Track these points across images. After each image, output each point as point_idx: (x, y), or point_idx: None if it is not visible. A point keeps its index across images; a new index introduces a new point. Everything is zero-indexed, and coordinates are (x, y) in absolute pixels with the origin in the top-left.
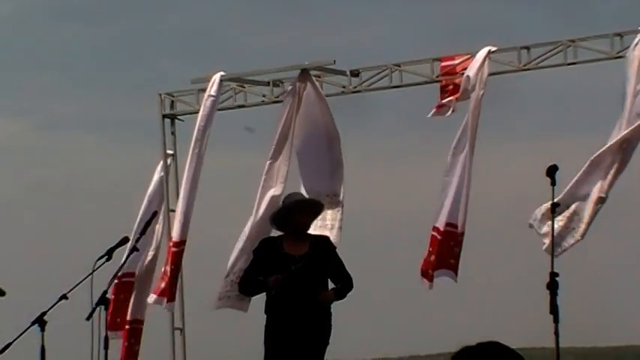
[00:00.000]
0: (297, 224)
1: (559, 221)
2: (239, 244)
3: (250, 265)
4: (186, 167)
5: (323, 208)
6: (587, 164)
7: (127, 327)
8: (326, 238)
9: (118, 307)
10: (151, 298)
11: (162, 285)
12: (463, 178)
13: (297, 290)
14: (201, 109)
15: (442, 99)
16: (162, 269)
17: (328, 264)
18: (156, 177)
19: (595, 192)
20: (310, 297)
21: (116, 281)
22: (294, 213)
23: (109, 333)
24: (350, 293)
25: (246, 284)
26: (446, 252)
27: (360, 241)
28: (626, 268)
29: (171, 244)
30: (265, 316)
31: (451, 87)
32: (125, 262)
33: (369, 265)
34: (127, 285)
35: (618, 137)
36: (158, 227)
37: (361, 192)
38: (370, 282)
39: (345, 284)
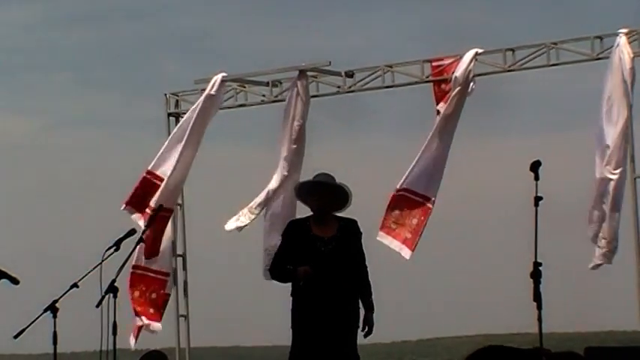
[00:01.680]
0: (315, 206)
1: None
2: (266, 224)
3: (279, 249)
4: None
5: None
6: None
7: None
8: (354, 222)
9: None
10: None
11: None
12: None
13: (326, 273)
14: (198, 103)
15: (437, 102)
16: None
17: (353, 249)
18: None
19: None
20: (339, 282)
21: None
22: (307, 195)
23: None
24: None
25: (277, 272)
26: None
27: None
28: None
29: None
30: (292, 299)
31: (446, 87)
32: (132, 252)
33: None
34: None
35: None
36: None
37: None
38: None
39: (364, 289)
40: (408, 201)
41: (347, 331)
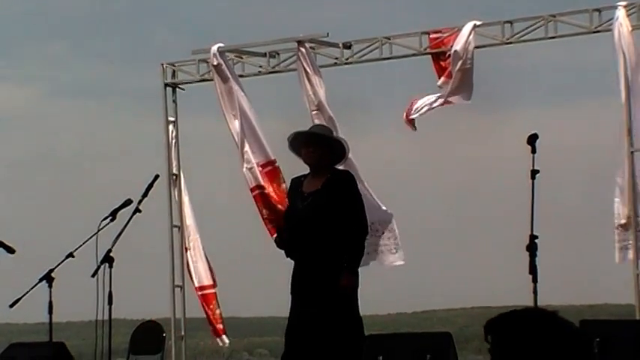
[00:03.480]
0: (307, 159)
1: None
2: None
3: (286, 209)
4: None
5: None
6: None
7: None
8: (345, 174)
9: None
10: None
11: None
12: None
13: (299, 232)
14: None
15: (439, 76)
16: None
17: (341, 202)
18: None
19: None
20: (312, 241)
21: None
22: (294, 147)
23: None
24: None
25: (278, 236)
26: None
27: None
28: (601, 229)
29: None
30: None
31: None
32: (128, 222)
33: None
34: None
35: None
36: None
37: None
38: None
39: (353, 237)
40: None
41: (329, 295)
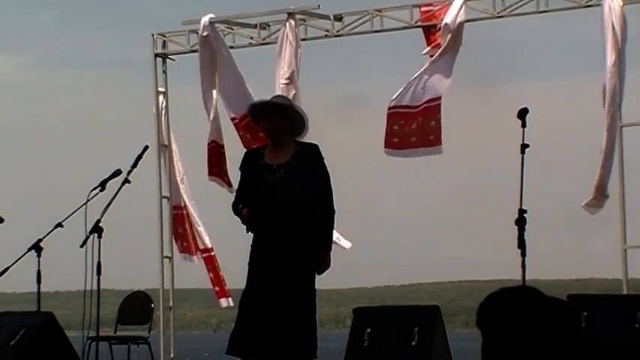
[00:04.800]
0: (267, 130)
1: None
2: None
3: (238, 184)
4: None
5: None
6: None
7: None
8: (313, 146)
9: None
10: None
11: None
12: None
13: (272, 204)
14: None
15: (429, 46)
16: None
17: (311, 175)
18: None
19: None
20: (285, 214)
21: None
22: (260, 116)
23: (183, 255)
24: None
25: (234, 210)
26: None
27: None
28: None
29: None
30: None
31: (434, 37)
32: (117, 193)
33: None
34: (178, 217)
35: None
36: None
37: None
38: (362, 219)
39: (325, 213)
40: (400, 114)
41: (297, 270)
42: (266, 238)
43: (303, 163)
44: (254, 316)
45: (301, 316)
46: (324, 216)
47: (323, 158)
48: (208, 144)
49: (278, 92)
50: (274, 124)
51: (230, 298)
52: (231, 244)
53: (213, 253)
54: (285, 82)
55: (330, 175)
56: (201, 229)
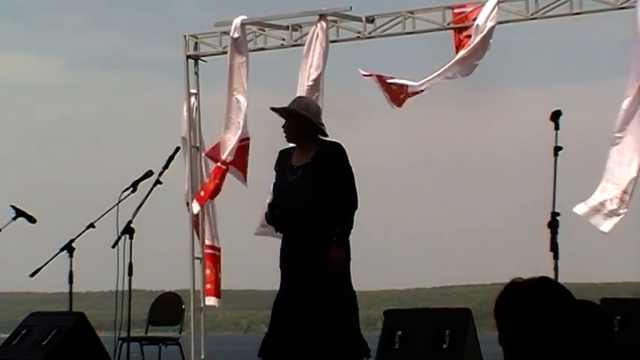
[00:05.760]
0: (285, 133)
1: None
2: None
3: (273, 183)
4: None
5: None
6: None
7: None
8: (334, 146)
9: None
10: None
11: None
12: None
13: (289, 205)
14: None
15: (458, 48)
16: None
17: (331, 174)
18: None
19: None
20: (301, 215)
21: None
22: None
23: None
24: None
25: (269, 211)
26: None
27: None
28: None
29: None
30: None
31: (462, 36)
32: (149, 194)
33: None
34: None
35: None
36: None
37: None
38: (374, 224)
39: (343, 210)
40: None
41: (317, 270)
42: (286, 238)
43: (321, 164)
44: (284, 318)
45: (335, 315)
46: (342, 209)
47: (346, 156)
48: (240, 140)
49: (301, 93)
50: (286, 128)
51: (219, 300)
52: (232, 243)
53: (219, 254)
54: (310, 83)
55: (353, 171)
56: (215, 228)
